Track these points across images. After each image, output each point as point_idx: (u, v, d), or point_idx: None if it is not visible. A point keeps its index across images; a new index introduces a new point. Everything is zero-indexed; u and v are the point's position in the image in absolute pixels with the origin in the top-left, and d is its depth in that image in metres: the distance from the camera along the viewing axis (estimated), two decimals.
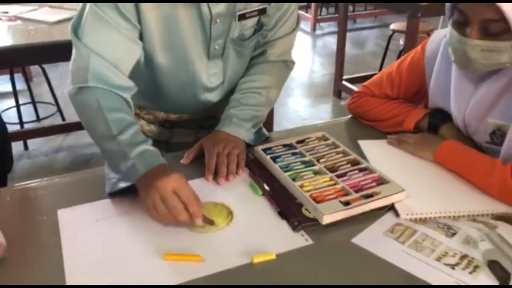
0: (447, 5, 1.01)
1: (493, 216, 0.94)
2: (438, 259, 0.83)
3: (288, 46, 1.24)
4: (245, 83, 1.22)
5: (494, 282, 0.78)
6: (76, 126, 3.10)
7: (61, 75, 4.10)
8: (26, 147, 3.05)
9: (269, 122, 1.87)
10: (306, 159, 1.08)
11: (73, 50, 1.05)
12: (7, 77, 3.13)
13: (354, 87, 3.46)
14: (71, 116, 3.33)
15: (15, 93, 2.98)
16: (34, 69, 4.01)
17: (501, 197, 0.96)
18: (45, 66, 3.24)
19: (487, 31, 0.95)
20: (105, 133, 0.98)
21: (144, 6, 1.02)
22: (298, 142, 1.16)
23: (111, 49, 1.02)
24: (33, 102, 3.36)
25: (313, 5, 5.45)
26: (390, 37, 3.69)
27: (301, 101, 3.78)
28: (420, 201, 0.97)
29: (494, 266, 0.80)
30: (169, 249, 0.85)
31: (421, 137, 1.16)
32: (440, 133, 1.16)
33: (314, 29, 5.54)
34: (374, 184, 0.99)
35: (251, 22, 1.13)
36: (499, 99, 1.03)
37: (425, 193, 1.00)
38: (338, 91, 3.76)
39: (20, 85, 3.46)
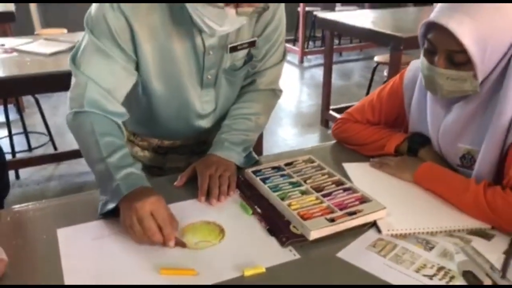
0: (420, 34, 1.10)
1: (468, 231, 1.00)
2: (417, 270, 0.89)
3: (276, 76, 1.32)
4: (235, 110, 1.29)
5: None
6: (67, 155, 3.15)
7: (54, 106, 4.17)
8: (17, 176, 3.07)
9: (258, 147, 1.94)
10: (294, 180, 1.15)
11: (72, 78, 1.13)
12: (0, 108, 3.18)
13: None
14: (63, 145, 3.39)
15: (8, 123, 3.02)
16: (26, 100, 4.07)
17: (475, 213, 1.03)
18: (38, 97, 3.30)
19: (452, 61, 1.03)
20: (96, 155, 1.04)
21: (141, 38, 1.10)
22: (286, 164, 1.23)
23: (106, 78, 1.09)
24: (25, 132, 3.40)
25: (300, 38, 5.62)
26: (375, 69, 3.82)
27: (289, 130, 3.87)
28: (400, 218, 1.03)
29: (468, 275, 0.86)
30: (164, 265, 0.90)
31: (401, 159, 1.23)
32: (419, 155, 1.23)
33: (301, 61, 5.69)
34: (357, 202, 1.05)
35: (241, 54, 1.21)
36: (468, 125, 1.11)
37: (405, 210, 1.06)
38: (325, 121, 3.86)
39: (13, 115, 3.51)
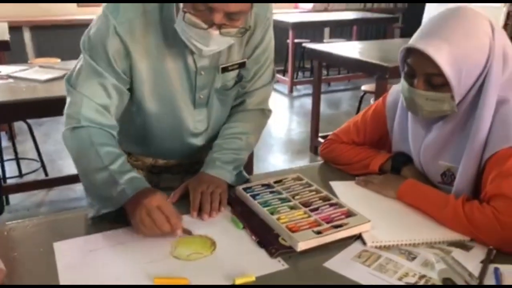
0: (400, 59, 1.17)
1: (448, 243, 1.05)
2: (400, 278, 0.93)
3: (265, 96, 1.39)
4: (226, 129, 1.35)
5: None
6: (58, 181, 3.17)
7: (45, 134, 4.20)
8: (7, 202, 3.07)
9: (248, 168, 1.99)
10: (283, 196, 1.20)
11: (67, 98, 1.19)
12: None
13: None
14: (54, 172, 3.40)
15: None
16: (18, 127, 4.09)
17: (455, 226, 1.08)
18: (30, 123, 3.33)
19: (430, 83, 1.10)
20: (97, 165, 1.11)
21: (136, 59, 1.16)
22: (276, 182, 1.28)
23: (100, 95, 1.16)
24: (17, 159, 3.42)
25: (290, 69, 5.75)
26: (362, 97, 3.93)
27: (280, 157, 3.93)
28: (384, 231, 1.08)
29: (447, 282, 0.91)
30: (158, 275, 0.93)
31: (385, 177, 1.29)
32: (402, 174, 1.29)
33: (291, 91, 5.81)
34: (343, 216, 1.10)
35: (232, 74, 1.28)
36: (447, 143, 1.17)
37: (389, 224, 1.11)
38: (315, 147, 3.93)
39: (5, 142, 3.53)
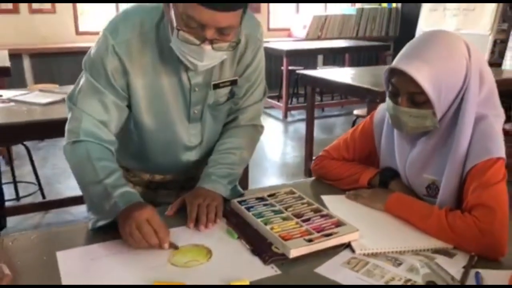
0: (384, 79, 1.25)
1: (433, 250, 1.11)
2: (386, 282, 0.98)
3: (257, 113, 1.46)
4: (221, 145, 1.42)
5: None
6: (55, 204, 3.20)
7: (43, 158, 4.25)
8: (4, 224, 3.08)
9: (243, 184, 2.04)
10: (276, 208, 1.25)
11: (68, 114, 1.27)
12: None
13: None
14: (51, 195, 3.44)
15: None
16: (16, 152, 4.14)
17: (439, 235, 1.14)
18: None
19: (413, 101, 1.18)
20: (93, 178, 1.17)
21: (133, 76, 1.24)
22: (269, 195, 1.33)
23: (99, 112, 1.24)
24: (14, 182, 3.46)
25: (284, 95, 5.87)
26: (354, 121, 4.02)
27: (274, 180, 3.98)
28: (372, 239, 1.13)
29: (431, 284, 0.96)
30: (157, 280, 0.98)
31: (374, 191, 1.35)
32: (390, 187, 1.35)
33: (285, 116, 5.91)
34: (333, 226, 1.16)
35: (224, 91, 1.36)
36: (431, 157, 1.24)
37: (377, 234, 1.17)
38: (309, 171, 3.97)
39: (2, 167, 3.57)
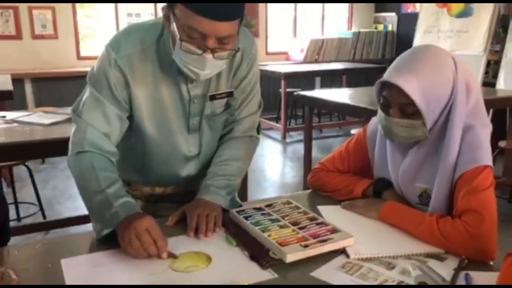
0: (376, 92, 1.31)
1: (425, 255, 1.14)
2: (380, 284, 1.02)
3: (252, 124, 1.51)
4: (218, 157, 1.47)
5: None
6: (56, 224, 3.22)
7: (44, 180, 4.28)
8: (5, 245, 3.10)
9: (242, 195, 2.08)
10: (273, 217, 1.30)
11: (73, 126, 1.33)
12: None
13: None
14: (52, 216, 3.46)
15: None
16: (16, 174, 4.17)
17: (430, 241, 1.18)
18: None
19: (404, 112, 1.24)
20: (96, 187, 1.22)
21: (135, 88, 1.30)
22: (267, 205, 1.38)
23: (103, 123, 1.30)
24: (16, 203, 3.49)
25: (282, 117, 5.95)
26: None
27: None
28: (366, 245, 1.17)
29: (422, 285, 0.99)
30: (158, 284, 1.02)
31: (368, 201, 1.40)
32: (383, 197, 1.39)
33: (284, 137, 5.98)
34: (328, 233, 1.20)
35: (221, 102, 1.42)
36: (422, 167, 1.29)
37: (371, 240, 1.21)
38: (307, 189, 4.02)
39: (4, 188, 3.60)
